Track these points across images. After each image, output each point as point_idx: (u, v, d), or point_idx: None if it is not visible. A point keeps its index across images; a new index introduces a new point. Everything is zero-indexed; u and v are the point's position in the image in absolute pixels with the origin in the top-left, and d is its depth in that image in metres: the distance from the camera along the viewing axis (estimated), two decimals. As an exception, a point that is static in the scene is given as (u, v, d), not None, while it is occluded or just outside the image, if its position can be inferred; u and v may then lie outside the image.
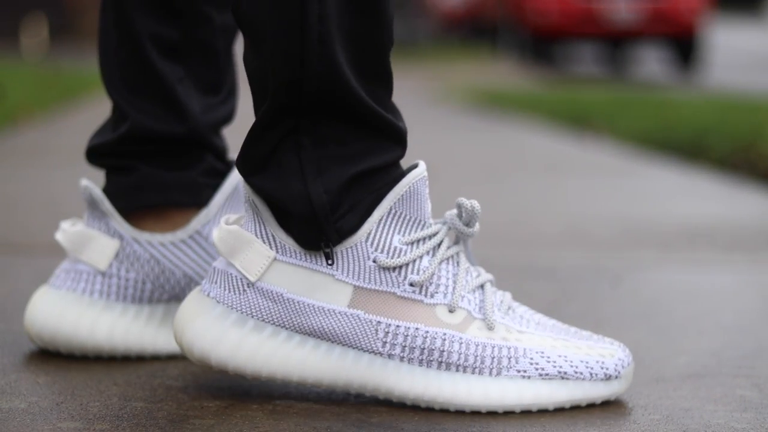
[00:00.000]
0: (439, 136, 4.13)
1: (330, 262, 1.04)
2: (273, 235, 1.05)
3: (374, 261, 1.05)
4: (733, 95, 6.52)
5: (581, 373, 1.06)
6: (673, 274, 1.79)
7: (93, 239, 1.21)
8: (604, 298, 1.55)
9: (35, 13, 11.27)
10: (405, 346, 1.04)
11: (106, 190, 1.23)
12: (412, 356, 1.05)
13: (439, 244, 1.07)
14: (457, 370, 1.05)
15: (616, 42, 11.13)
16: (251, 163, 1.05)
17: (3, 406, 1.02)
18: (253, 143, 1.04)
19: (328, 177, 1.03)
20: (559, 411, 1.06)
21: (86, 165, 1.26)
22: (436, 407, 1.05)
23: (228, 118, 1.28)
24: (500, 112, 5.43)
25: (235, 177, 1.24)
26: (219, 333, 1.05)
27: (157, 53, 1.23)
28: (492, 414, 1.04)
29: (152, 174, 1.23)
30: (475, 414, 1.04)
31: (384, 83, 1.05)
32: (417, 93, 6.62)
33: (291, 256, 1.05)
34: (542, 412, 1.05)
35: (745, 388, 1.14)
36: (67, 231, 1.22)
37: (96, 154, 1.24)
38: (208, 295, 1.06)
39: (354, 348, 1.05)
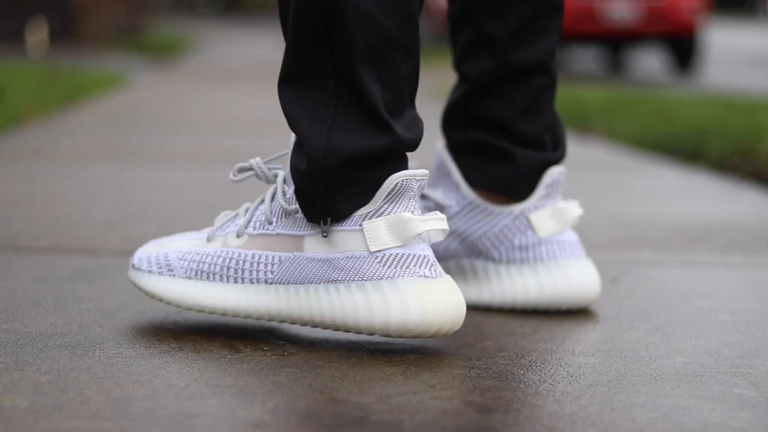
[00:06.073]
0: (440, 135, 4.13)
1: None
2: None
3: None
4: (732, 95, 6.52)
5: None
6: (672, 274, 1.79)
7: None
8: (603, 297, 1.56)
9: (39, 14, 11.28)
10: None
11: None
12: None
13: None
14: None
15: (615, 41, 11.12)
16: None
17: (5, 404, 1.03)
18: None
19: None
20: (559, 410, 1.06)
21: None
22: None
23: None
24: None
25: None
26: None
27: None
28: (492, 413, 1.05)
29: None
30: (475, 413, 1.05)
31: None
32: (418, 92, 6.62)
33: None
34: (542, 410, 1.06)
35: (742, 387, 1.15)
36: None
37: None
38: None
39: None
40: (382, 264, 1.23)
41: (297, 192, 1.25)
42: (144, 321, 1.35)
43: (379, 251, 1.23)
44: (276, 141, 3.78)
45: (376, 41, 1.21)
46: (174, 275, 1.32)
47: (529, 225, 1.47)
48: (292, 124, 1.25)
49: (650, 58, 12.90)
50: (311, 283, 1.26)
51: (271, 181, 1.31)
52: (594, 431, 1.01)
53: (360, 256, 1.24)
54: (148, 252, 1.36)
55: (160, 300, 1.33)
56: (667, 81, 9.75)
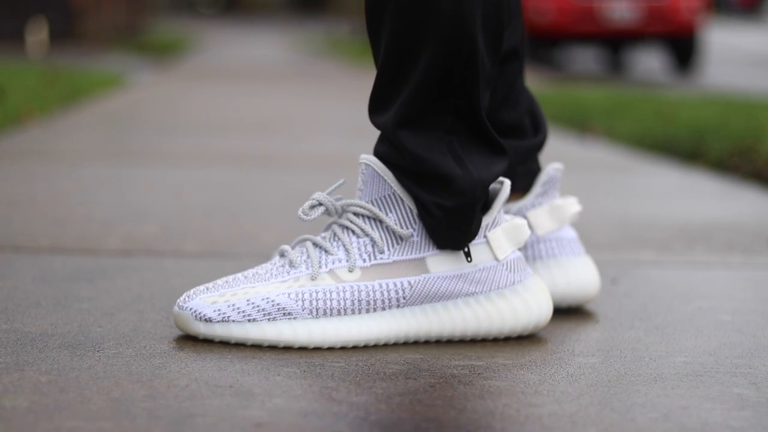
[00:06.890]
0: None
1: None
2: None
3: None
4: (732, 95, 6.52)
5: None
6: (672, 274, 1.79)
7: None
8: (603, 297, 1.56)
9: (39, 14, 11.30)
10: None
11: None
12: None
13: None
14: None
15: (615, 41, 11.14)
16: None
17: (6, 404, 1.03)
18: None
19: None
20: (559, 410, 1.06)
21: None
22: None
23: None
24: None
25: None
26: None
27: None
28: (492, 413, 1.05)
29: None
30: (475, 413, 1.05)
31: None
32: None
33: None
34: (542, 410, 1.06)
35: (742, 387, 1.15)
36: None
37: None
38: None
39: None
40: (509, 270, 1.32)
41: (439, 225, 1.28)
42: (144, 321, 1.35)
43: (503, 259, 1.32)
44: (277, 141, 3.78)
45: (489, 77, 1.28)
46: (294, 317, 1.26)
47: (527, 223, 1.47)
48: (428, 165, 1.27)
49: (650, 58, 12.91)
50: (449, 299, 1.31)
51: (339, 213, 1.31)
52: (594, 431, 1.01)
53: (491, 267, 1.31)
54: (215, 302, 1.27)
55: (276, 344, 1.26)
56: (667, 81, 9.76)
